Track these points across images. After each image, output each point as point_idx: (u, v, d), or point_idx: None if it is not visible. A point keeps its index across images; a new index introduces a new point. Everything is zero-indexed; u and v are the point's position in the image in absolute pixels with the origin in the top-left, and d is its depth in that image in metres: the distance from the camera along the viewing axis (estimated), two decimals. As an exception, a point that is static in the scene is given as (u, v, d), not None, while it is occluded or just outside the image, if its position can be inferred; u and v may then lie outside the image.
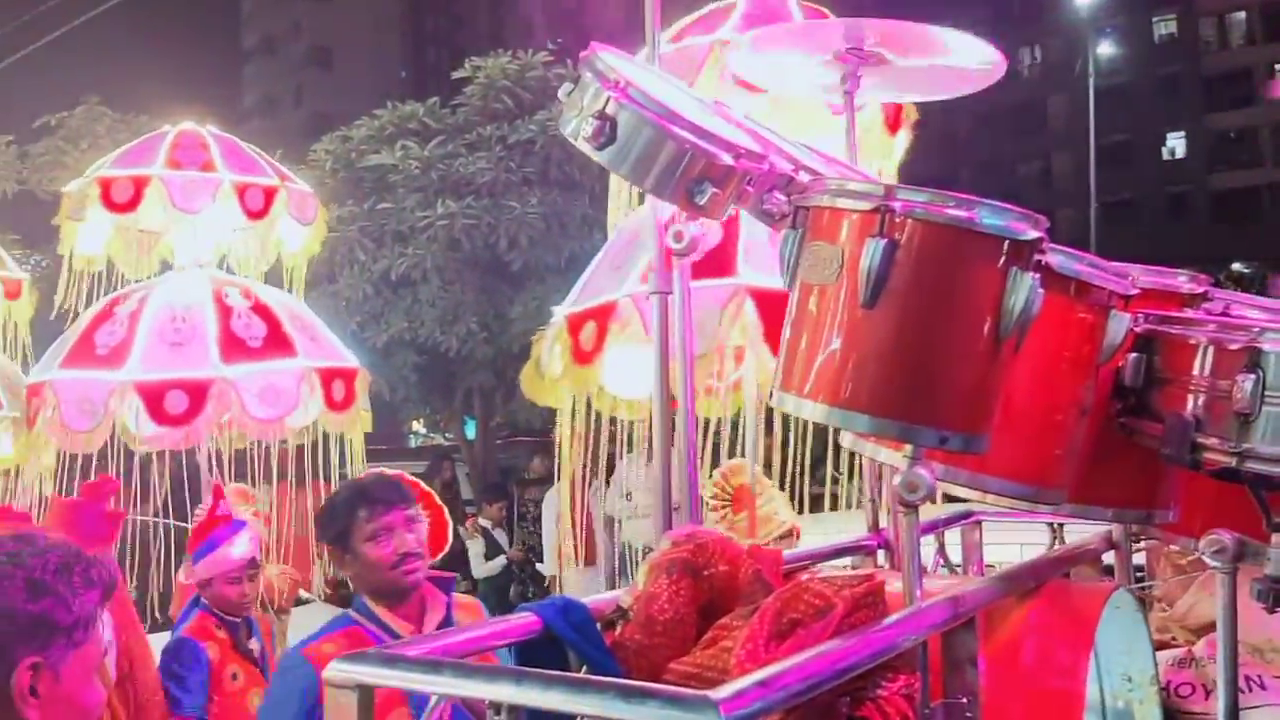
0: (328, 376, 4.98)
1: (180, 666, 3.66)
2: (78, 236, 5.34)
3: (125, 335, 4.73)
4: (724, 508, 3.53)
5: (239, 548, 3.69)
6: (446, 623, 2.81)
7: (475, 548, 8.41)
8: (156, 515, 5.32)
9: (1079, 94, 36.89)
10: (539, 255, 9.80)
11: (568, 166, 10.09)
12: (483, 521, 8.72)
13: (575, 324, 3.66)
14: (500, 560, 8.53)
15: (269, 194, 5.23)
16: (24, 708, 1.32)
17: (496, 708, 1.16)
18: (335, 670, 1.21)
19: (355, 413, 5.18)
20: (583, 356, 3.60)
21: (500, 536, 8.71)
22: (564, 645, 1.54)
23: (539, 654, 1.51)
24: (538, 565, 8.50)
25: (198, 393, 4.60)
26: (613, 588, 8.19)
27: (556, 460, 4.57)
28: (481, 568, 8.36)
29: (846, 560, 2.36)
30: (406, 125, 10.45)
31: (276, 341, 4.90)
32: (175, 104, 5.67)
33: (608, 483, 8.26)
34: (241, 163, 5.33)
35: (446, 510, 3.57)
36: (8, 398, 6.25)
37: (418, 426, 19.55)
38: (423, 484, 3.50)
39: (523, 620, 1.52)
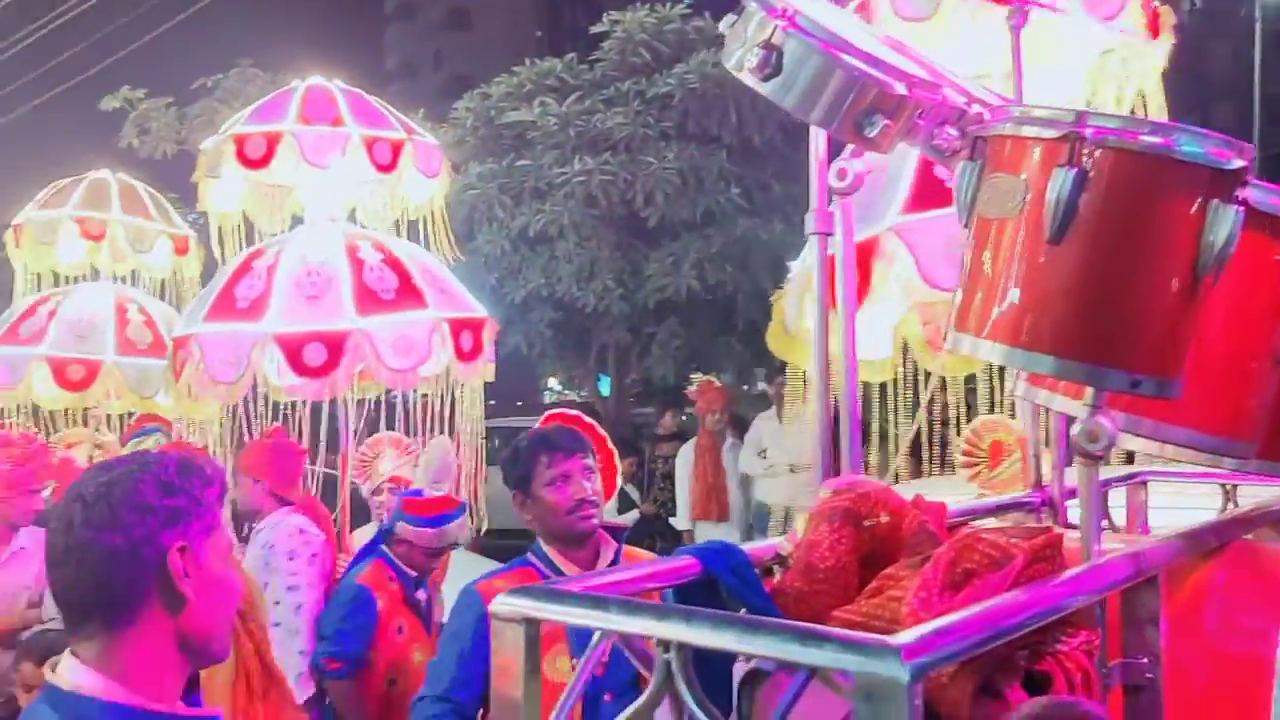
0: (457, 327, 5.02)
1: (348, 611, 3.81)
2: (214, 193, 5.49)
3: (263, 289, 4.82)
4: (977, 465, 3.45)
5: (453, 533, 3.89)
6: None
7: (608, 502, 8.48)
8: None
9: (1242, 41, 34.81)
10: (675, 211, 9.75)
11: (705, 120, 9.99)
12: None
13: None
14: (633, 514, 8.59)
15: (396, 148, 5.26)
16: (182, 586, 1.47)
17: (665, 645, 1.12)
18: (501, 604, 1.21)
19: (483, 363, 5.21)
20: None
21: (632, 491, 8.77)
22: (721, 590, 1.51)
23: (696, 598, 1.49)
24: (670, 520, 8.54)
25: (335, 345, 4.69)
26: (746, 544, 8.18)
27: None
28: (613, 519, 8.43)
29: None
30: (544, 82, 10.49)
31: (408, 293, 4.96)
32: (320, 67, 5.76)
33: (741, 440, 8.26)
34: (369, 117, 5.40)
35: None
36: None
37: (553, 383, 19.84)
38: (599, 428, 3.59)
39: (681, 563, 1.49)
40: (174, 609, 1.48)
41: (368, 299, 4.84)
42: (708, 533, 8.14)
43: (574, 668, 2.73)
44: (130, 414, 6.47)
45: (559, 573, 2.78)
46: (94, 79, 15.93)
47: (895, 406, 3.72)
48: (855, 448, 2.08)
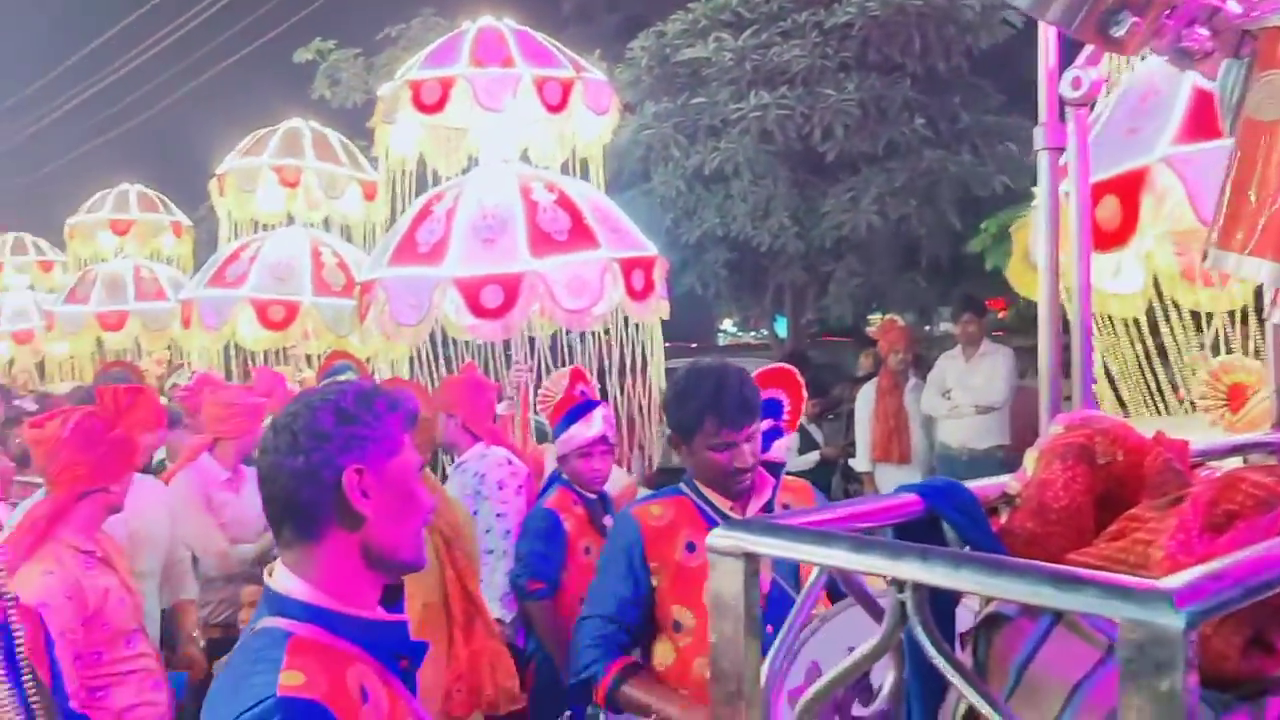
0: (628, 266, 5.06)
1: (541, 535, 3.96)
2: (391, 138, 5.60)
3: (443, 233, 4.93)
4: (1219, 407, 3.28)
5: (593, 426, 3.93)
6: (769, 506, 2.86)
7: (788, 441, 8.40)
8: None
9: None
10: (855, 145, 9.44)
11: (887, 49, 9.62)
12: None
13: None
14: (813, 455, 8.49)
15: (566, 86, 5.30)
16: (358, 505, 1.62)
17: (899, 585, 1.06)
18: (720, 537, 1.15)
19: (655, 301, 5.24)
20: (1102, 239, 3.01)
21: (815, 432, 8.66)
22: (945, 529, 1.43)
23: (917, 537, 1.40)
24: (850, 462, 8.40)
25: (511, 287, 4.78)
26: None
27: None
28: (794, 461, 8.35)
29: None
30: (719, 17, 10.28)
31: (580, 233, 5.02)
32: (497, 13, 5.80)
33: (924, 381, 8.02)
34: (539, 56, 5.41)
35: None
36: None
37: (728, 325, 19.75)
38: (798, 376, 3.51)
39: (903, 500, 1.40)
40: (352, 525, 1.64)
41: (541, 241, 4.91)
42: (888, 475, 7.97)
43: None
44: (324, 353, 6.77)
45: (711, 506, 2.81)
46: (288, 32, 16.60)
47: (1131, 341, 3.49)
48: (1087, 383, 1.93)
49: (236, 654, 1.68)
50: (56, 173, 20.06)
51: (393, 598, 1.80)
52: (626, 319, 5.40)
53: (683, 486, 2.87)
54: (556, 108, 5.30)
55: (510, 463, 4.26)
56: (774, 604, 2.80)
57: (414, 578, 1.93)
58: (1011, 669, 1.20)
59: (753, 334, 18.01)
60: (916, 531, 1.38)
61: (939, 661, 1.04)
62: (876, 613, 1.23)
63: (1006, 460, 7.56)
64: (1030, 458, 1.47)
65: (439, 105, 5.19)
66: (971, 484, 1.49)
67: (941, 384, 7.82)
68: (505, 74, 5.21)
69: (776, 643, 1.17)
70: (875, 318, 9.54)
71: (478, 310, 4.80)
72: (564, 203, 5.10)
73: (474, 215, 4.98)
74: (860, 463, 8.11)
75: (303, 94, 13.41)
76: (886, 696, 1.32)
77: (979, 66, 10.16)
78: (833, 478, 8.62)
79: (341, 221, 7.32)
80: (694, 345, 15.49)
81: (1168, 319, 3.66)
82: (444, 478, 4.68)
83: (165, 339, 9.44)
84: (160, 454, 5.13)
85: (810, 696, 1.16)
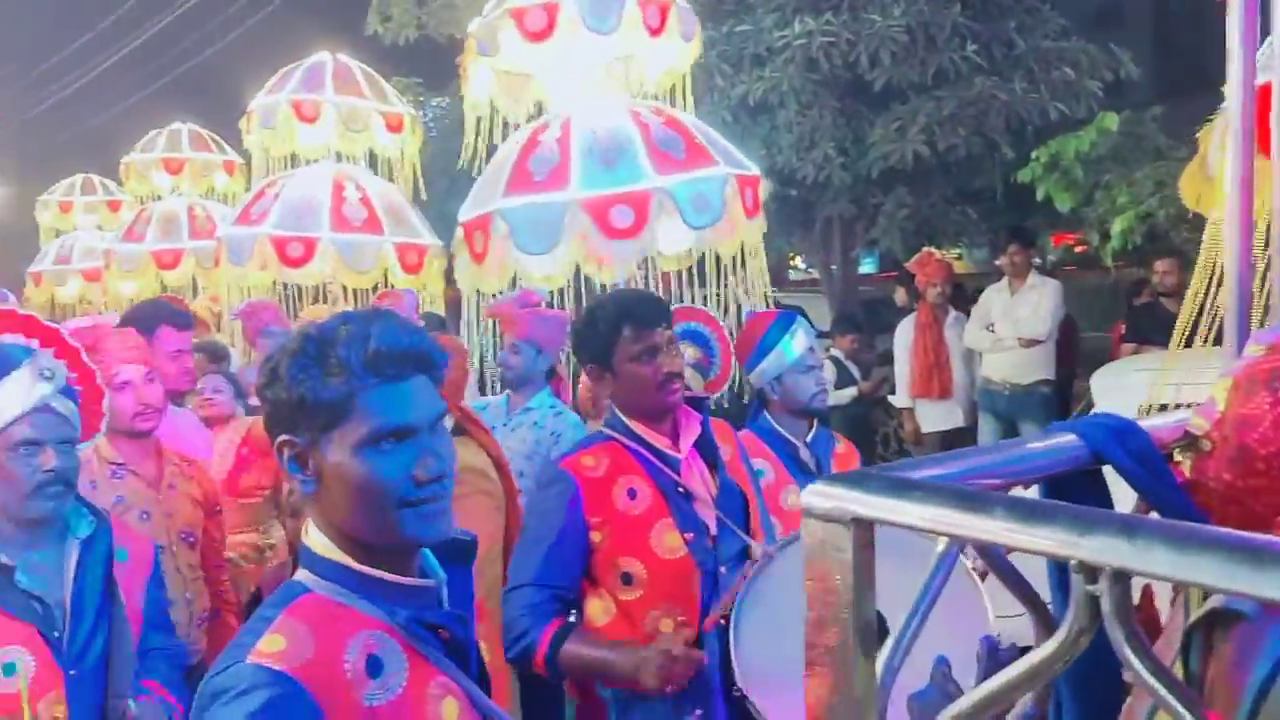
0: (742, 183, 4.97)
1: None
2: (470, 82, 5.47)
3: (560, 160, 4.85)
4: None
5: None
6: (705, 440, 2.76)
7: (826, 376, 8.31)
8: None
9: None
10: (903, 72, 9.16)
11: (939, -28, 9.29)
12: (835, 351, 8.60)
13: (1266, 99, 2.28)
14: (850, 390, 8.40)
15: (664, 10, 5.17)
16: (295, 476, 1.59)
17: (1091, 573, 0.77)
18: (820, 495, 0.89)
19: (760, 220, 5.16)
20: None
21: (853, 368, 8.55)
22: (1104, 482, 1.17)
23: (1076, 492, 1.13)
24: (889, 398, 8.29)
25: (641, 204, 4.69)
26: (969, 422, 7.84)
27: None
28: (831, 395, 8.26)
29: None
30: (767, -59, 10.01)
31: (696, 152, 4.92)
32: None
33: (965, 314, 7.85)
34: None
35: None
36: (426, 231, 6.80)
37: (798, 261, 19.44)
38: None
39: (1057, 442, 1.12)
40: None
41: (662, 159, 4.82)
42: (928, 410, 7.85)
43: (686, 542, 2.66)
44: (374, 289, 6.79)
45: (646, 445, 2.66)
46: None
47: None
48: (1243, 311, 1.77)
49: (262, 604, 1.59)
50: (118, 116, 20.45)
51: (460, 555, 1.67)
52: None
53: (607, 430, 2.72)
54: (657, 31, 5.16)
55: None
56: (723, 542, 2.75)
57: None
58: (1246, 691, 0.93)
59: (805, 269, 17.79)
60: (1077, 484, 1.13)
61: (1148, 680, 0.77)
62: (1032, 601, 1.00)
63: (1050, 396, 7.40)
64: (1221, 387, 1.18)
65: (546, 31, 5.03)
66: (1145, 422, 1.20)
67: (986, 316, 7.67)
68: None
69: (893, 638, 0.90)
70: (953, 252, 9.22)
71: (609, 231, 4.70)
72: (672, 124, 5.03)
73: (589, 140, 4.89)
74: (900, 398, 8.02)
75: (356, 32, 13.41)
76: (1031, 699, 1.09)
77: (1038, -12, 9.76)
78: (872, 412, 8.53)
79: (384, 156, 7.32)
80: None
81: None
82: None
83: (218, 277, 9.61)
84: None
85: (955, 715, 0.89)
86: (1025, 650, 0.89)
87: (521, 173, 4.88)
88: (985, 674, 1.19)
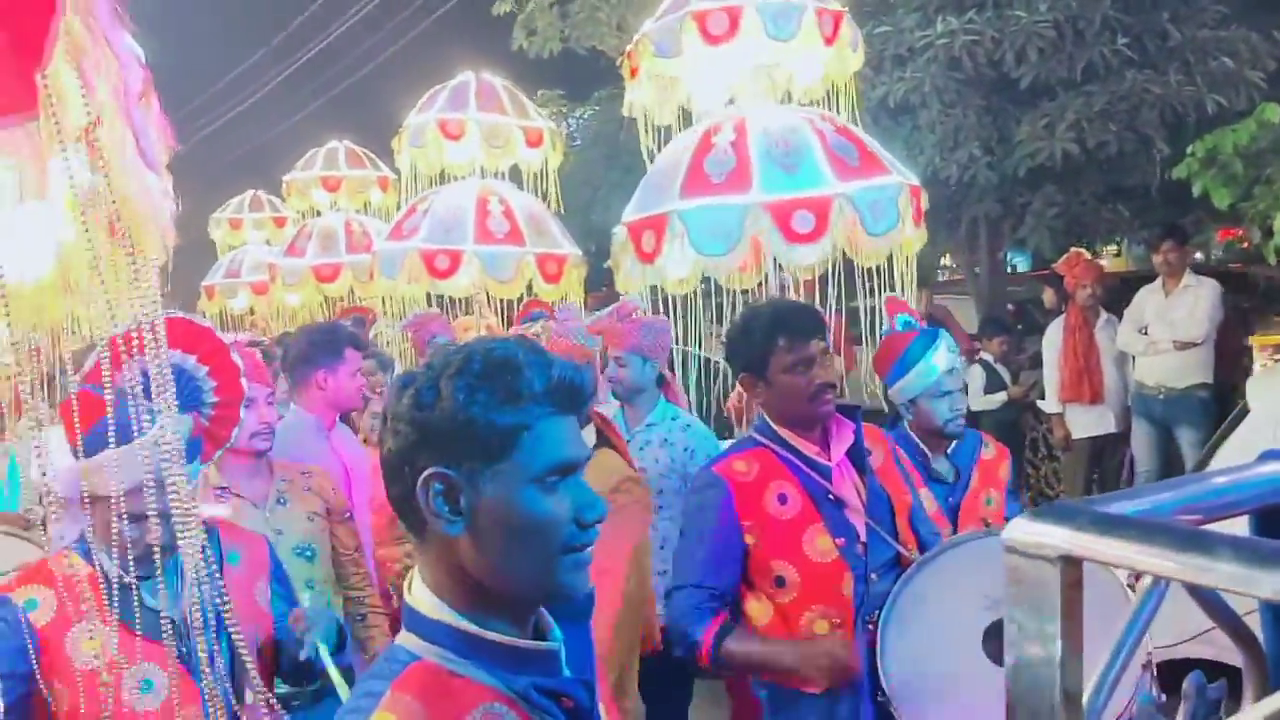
0: (913, 193, 5.03)
1: None
2: (632, 89, 5.58)
3: (738, 163, 4.90)
4: None
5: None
6: (857, 449, 2.80)
7: (974, 380, 8.17)
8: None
9: None
10: (1050, 69, 8.91)
11: (1087, -36, 9.00)
12: (983, 355, 8.43)
13: None
14: (1000, 395, 8.22)
15: (837, 19, 5.26)
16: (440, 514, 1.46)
17: None
18: (1024, 531, 0.85)
19: (923, 229, 5.25)
20: None
21: (1002, 372, 8.37)
22: None
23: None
24: (1039, 402, 8.07)
25: (822, 210, 4.75)
26: (1122, 428, 7.57)
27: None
28: (979, 400, 8.12)
29: None
30: (909, -60, 9.87)
31: (869, 160, 4.99)
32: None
33: (1117, 317, 7.59)
34: None
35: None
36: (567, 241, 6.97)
37: (946, 260, 19.04)
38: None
39: (1264, 471, 1.04)
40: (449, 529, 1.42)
41: (841, 166, 4.88)
42: (1079, 416, 7.62)
43: (838, 547, 2.66)
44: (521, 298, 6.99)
45: (796, 453, 2.71)
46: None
47: None
48: None
49: (364, 675, 1.43)
50: (281, 134, 21.46)
51: (579, 613, 1.49)
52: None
53: (758, 437, 2.79)
54: (830, 39, 5.24)
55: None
56: (873, 549, 2.78)
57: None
58: None
59: (958, 270, 17.36)
60: None
61: None
62: (1248, 644, 0.92)
63: (1208, 401, 7.09)
64: None
65: (728, 35, 5.12)
66: None
67: (1139, 318, 7.41)
68: (790, 4, 5.14)
69: (1099, 674, 0.86)
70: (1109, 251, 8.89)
71: (790, 235, 4.75)
72: (844, 132, 5.09)
73: (767, 144, 4.94)
74: (1049, 403, 7.80)
75: (502, 47, 13.76)
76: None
77: (1196, -24, 9.35)
78: (1021, 417, 8.32)
79: (526, 169, 7.54)
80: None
81: None
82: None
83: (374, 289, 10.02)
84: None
85: None
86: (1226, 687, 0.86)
87: (698, 175, 4.94)
88: (1193, 713, 1.15)
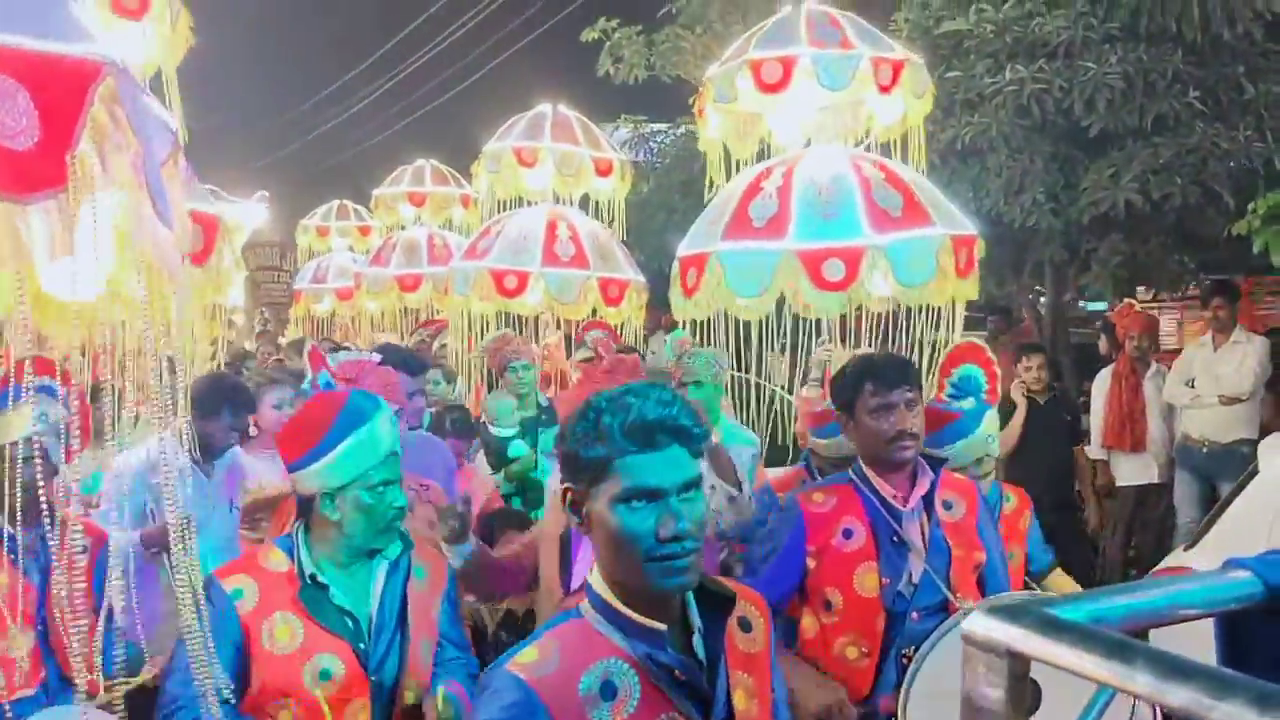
0: (957, 245, 5.07)
1: None
2: (705, 124, 5.76)
3: (779, 208, 5.05)
4: None
5: None
6: (929, 498, 3.01)
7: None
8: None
9: None
10: (1119, 119, 9.02)
11: (1162, 18, 9.09)
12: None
13: None
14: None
15: (896, 68, 5.35)
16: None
17: None
18: (980, 625, 0.92)
19: (972, 279, 5.30)
20: None
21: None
22: None
23: (1253, 634, 1.07)
24: (1085, 448, 8.17)
25: (853, 260, 4.88)
26: (1165, 478, 7.65)
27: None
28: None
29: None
30: (984, -13, 10.05)
31: (913, 210, 5.06)
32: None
33: (1167, 367, 7.68)
34: (869, 36, 5.51)
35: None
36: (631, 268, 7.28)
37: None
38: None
39: (1230, 579, 1.06)
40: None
41: (879, 217, 4.98)
42: (1121, 463, 7.72)
43: (882, 586, 2.83)
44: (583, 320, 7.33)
45: (874, 493, 2.96)
46: (579, 13, 17.56)
47: None
48: None
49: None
50: (367, 151, 22.22)
51: (719, 606, 1.84)
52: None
53: (849, 474, 3.04)
54: (887, 88, 5.35)
55: None
56: (925, 591, 2.97)
57: None
58: None
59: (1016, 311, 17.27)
60: (1254, 625, 1.07)
61: None
62: None
63: (1251, 456, 7.15)
64: None
65: (781, 84, 5.27)
66: None
67: (1188, 371, 7.51)
68: (844, 55, 5.27)
69: None
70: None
71: (819, 282, 4.89)
72: (893, 180, 5.15)
73: (810, 191, 5.09)
74: (1093, 449, 7.91)
75: (589, 73, 14.20)
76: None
77: (1273, 31, 9.37)
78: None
79: (596, 198, 7.91)
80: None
81: None
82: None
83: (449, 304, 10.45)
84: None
85: None
86: None
87: (742, 218, 5.12)
88: None
